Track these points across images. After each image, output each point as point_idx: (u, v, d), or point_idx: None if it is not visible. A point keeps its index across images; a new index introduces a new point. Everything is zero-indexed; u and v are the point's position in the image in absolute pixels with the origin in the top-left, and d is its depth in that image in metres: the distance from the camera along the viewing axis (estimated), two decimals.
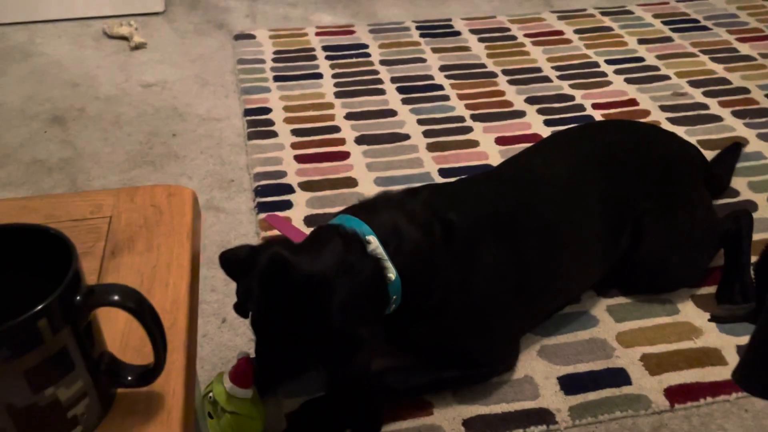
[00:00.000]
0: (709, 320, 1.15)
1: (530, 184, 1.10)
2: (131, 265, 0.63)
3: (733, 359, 1.08)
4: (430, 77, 1.91)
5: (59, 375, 0.44)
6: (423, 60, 1.99)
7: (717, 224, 1.22)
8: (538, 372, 1.07)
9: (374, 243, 0.89)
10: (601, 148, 1.17)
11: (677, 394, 1.03)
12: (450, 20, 2.23)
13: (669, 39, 2.10)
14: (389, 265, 0.88)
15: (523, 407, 1.01)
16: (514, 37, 2.12)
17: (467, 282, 0.97)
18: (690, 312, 1.17)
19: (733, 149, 1.50)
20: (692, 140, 1.52)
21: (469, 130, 1.68)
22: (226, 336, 1.15)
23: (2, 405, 0.43)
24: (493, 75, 1.92)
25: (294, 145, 1.62)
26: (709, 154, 1.44)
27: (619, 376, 1.06)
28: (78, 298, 0.44)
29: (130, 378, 0.49)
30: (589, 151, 1.17)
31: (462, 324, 0.99)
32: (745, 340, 1.11)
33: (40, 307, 0.41)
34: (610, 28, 2.17)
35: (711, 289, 1.21)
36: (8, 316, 0.41)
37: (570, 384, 1.05)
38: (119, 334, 0.56)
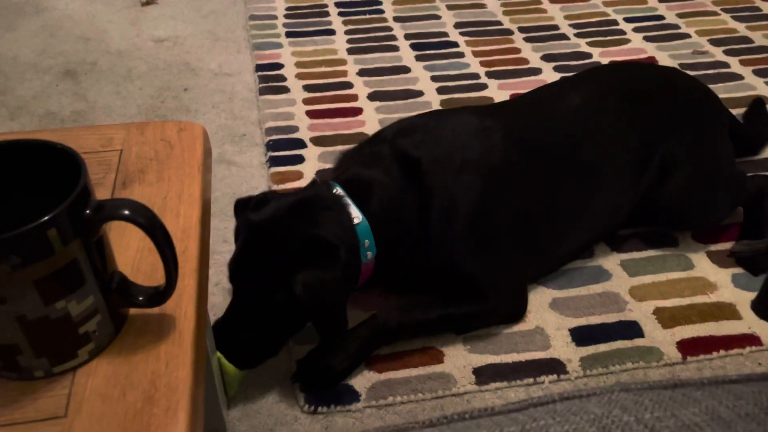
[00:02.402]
0: (729, 255, 1.13)
1: (535, 112, 1.08)
2: (142, 196, 0.63)
3: (748, 314, 1.07)
4: (445, 34, 1.87)
5: (70, 288, 0.44)
6: (437, 17, 1.96)
7: (740, 173, 1.21)
8: (549, 323, 1.06)
9: (338, 190, 0.95)
10: (622, 82, 1.15)
11: (690, 347, 1.02)
12: None
13: None
14: (352, 205, 0.94)
15: (533, 357, 1.01)
16: None
17: (450, 211, 0.97)
18: (705, 267, 1.16)
19: (758, 106, 1.48)
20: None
21: (483, 87, 1.65)
22: None
23: (15, 317, 0.43)
24: (509, 32, 1.88)
25: (306, 101, 1.60)
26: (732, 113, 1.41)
27: (631, 329, 1.05)
28: (88, 211, 0.43)
29: (141, 298, 0.49)
30: (608, 84, 1.15)
31: (458, 249, 0.99)
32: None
33: (49, 216, 0.41)
34: None
35: (727, 245, 1.19)
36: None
37: (581, 335, 1.04)
38: (130, 260, 0.56)
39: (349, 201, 0.94)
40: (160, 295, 0.49)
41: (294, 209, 0.93)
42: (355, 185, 0.96)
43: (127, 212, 0.44)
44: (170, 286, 0.48)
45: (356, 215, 0.93)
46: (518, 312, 1.05)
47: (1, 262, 0.40)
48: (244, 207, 0.98)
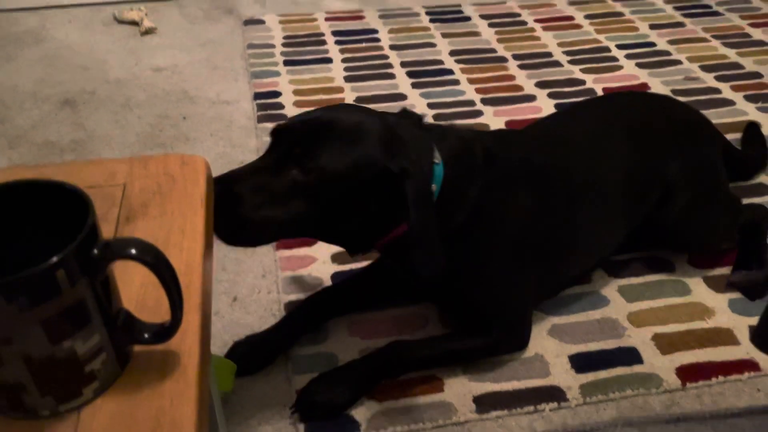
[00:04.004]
0: (727, 285, 1.14)
1: (554, 144, 1.10)
2: (145, 230, 0.63)
3: (745, 339, 1.08)
4: (440, 62, 1.90)
5: (76, 327, 0.44)
6: (433, 45, 1.99)
7: (735, 196, 1.23)
8: (548, 350, 1.07)
9: (428, 130, 0.93)
10: (623, 113, 1.18)
11: (689, 373, 1.03)
12: (460, 6, 2.22)
13: (681, 24, 2.09)
14: (435, 146, 0.91)
15: (533, 384, 1.01)
16: (524, 23, 2.11)
17: (497, 215, 0.98)
18: (702, 293, 1.17)
19: (754, 129, 1.51)
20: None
21: (479, 113, 1.67)
22: (237, 314, 1.16)
23: (21, 357, 0.43)
24: (504, 60, 1.91)
25: None
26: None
27: (630, 355, 1.06)
28: (95, 251, 0.44)
29: (146, 335, 0.49)
30: (610, 114, 1.18)
31: (484, 260, 0.99)
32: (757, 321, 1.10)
33: (57, 257, 0.41)
34: (621, 14, 2.16)
35: (723, 270, 1.20)
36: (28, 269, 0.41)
37: (581, 362, 1.05)
38: (134, 295, 0.56)
39: (433, 144, 0.92)
40: (166, 331, 0.49)
41: (381, 118, 0.88)
42: (439, 135, 0.94)
43: (134, 251, 0.45)
44: (175, 322, 0.48)
45: (438, 157, 0.91)
46: (521, 344, 1.06)
47: (9, 303, 0.40)
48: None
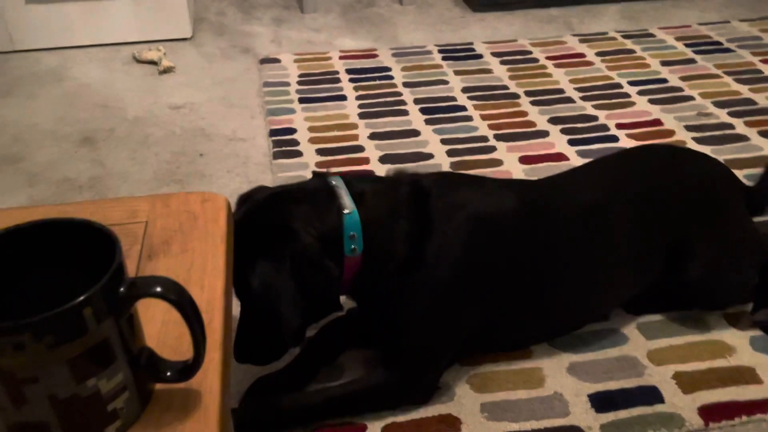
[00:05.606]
0: (753, 324, 1.12)
1: (553, 191, 1.09)
2: (167, 268, 0.64)
3: None
4: (453, 98, 1.92)
5: (101, 366, 0.44)
6: (445, 82, 2.01)
7: (762, 239, 1.21)
8: (567, 389, 1.05)
9: (337, 182, 0.96)
10: (636, 173, 1.14)
11: (712, 413, 1.01)
12: (472, 44, 2.25)
13: (692, 61, 2.10)
14: (345, 196, 0.93)
15: (553, 424, 1.00)
16: (536, 60, 2.13)
17: (444, 255, 0.96)
18: (722, 330, 1.15)
19: None
20: (719, 160, 1.51)
21: (492, 149, 1.68)
22: None
23: (46, 396, 0.43)
24: (516, 96, 1.93)
25: (319, 164, 1.63)
26: (738, 174, 1.42)
27: (651, 394, 1.04)
28: (121, 289, 0.44)
29: (169, 373, 0.49)
30: (622, 174, 1.14)
31: (411, 298, 0.97)
32: None
33: (85, 295, 0.42)
34: (632, 51, 2.18)
35: (743, 307, 1.19)
36: (54, 308, 0.42)
37: (601, 401, 1.03)
38: (156, 332, 0.56)
39: (344, 192, 0.94)
40: (188, 369, 0.49)
41: (269, 202, 0.94)
42: (357, 183, 0.97)
43: (159, 289, 0.45)
44: (198, 360, 0.48)
45: (348, 206, 0.92)
46: (422, 396, 1.03)
47: (37, 341, 0.41)
48: (243, 203, 1.01)
